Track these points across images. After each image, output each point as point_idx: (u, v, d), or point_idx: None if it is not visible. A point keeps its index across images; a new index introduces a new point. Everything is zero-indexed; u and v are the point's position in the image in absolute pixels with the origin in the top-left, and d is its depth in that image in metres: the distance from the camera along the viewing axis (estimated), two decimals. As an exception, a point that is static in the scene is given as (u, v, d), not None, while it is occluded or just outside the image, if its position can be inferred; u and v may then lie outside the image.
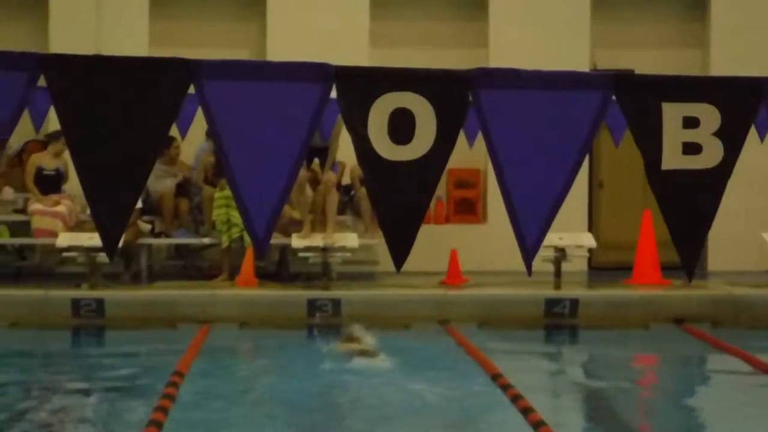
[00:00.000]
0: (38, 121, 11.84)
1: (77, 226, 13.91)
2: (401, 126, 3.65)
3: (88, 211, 12.79)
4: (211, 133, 3.69)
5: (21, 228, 14.33)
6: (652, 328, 12.14)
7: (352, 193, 14.81)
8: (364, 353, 9.81)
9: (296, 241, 13.42)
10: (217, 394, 8.79)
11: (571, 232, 12.93)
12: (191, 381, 8.83)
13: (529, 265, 3.83)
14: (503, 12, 15.87)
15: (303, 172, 13.17)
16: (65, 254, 12.97)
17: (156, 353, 10.68)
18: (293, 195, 12.92)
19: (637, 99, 3.76)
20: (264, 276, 13.61)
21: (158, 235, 14.56)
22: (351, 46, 15.10)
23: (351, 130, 3.67)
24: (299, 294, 12.66)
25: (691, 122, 3.74)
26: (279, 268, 14.44)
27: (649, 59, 15.53)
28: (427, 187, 3.75)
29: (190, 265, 15.05)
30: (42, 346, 11.48)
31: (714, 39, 16.07)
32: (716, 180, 3.80)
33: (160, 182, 14.37)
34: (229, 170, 3.67)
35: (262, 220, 3.69)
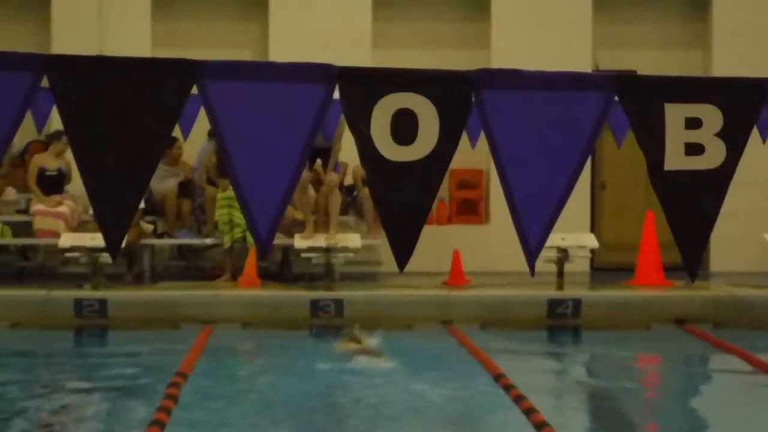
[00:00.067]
0: (41, 122, 11.84)
1: (79, 227, 13.91)
2: (404, 127, 3.65)
3: (91, 212, 12.79)
4: (214, 134, 3.69)
5: (23, 228, 14.34)
6: (654, 328, 12.13)
7: (355, 193, 14.81)
8: (366, 353, 9.81)
9: (299, 242, 13.41)
10: (219, 394, 8.80)
11: (573, 233, 12.93)
12: (194, 381, 8.83)
13: (531, 266, 3.82)
14: (505, 13, 15.86)
15: (306, 173, 13.16)
16: (68, 255, 12.97)
17: (158, 353, 10.68)
18: (296, 195, 12.92)
19: (640, 100, 3.75)
20: (267, 276, 13.61)
21: (161, 236, 14.56)
22: (353, 46, 15.09)
23: (354, 130, 3.67)
24: (302, 294, 12.66)
25: (693, 123, 3.74)
26: (282, 269, 14.44)
27: (652, 60, 15.51)
28: (429, 188, 3.74)
29: (193, 266, 15.05)
30: (45, 347, 11.48)
31: (716, 39, 16.07)
32: (719, 181, 3.79)
33: (163, 183, 14.38)
34: (231, 171, 3.66)
35: (265, 221, 3.69)
